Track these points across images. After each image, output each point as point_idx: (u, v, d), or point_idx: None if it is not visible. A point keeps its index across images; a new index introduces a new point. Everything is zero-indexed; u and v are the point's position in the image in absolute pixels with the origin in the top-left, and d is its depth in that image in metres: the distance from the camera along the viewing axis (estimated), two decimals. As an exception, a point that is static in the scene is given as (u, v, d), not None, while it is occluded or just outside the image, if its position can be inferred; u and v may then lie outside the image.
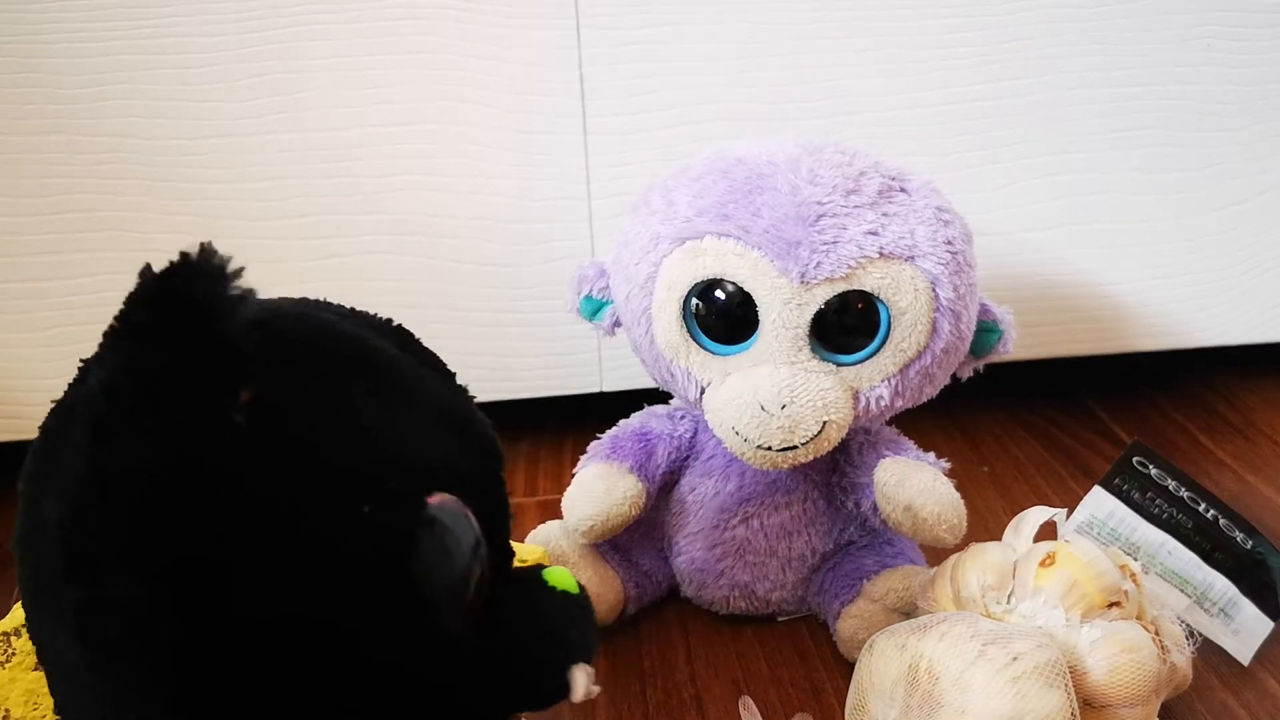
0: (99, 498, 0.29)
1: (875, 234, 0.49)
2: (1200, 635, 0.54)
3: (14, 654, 0.43)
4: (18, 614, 0.45)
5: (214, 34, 0.63)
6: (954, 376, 0.55)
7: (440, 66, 0.65)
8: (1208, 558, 0.56)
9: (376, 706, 0.31)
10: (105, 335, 0.31)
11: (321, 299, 0.37)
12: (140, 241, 0.67)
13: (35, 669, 0.43)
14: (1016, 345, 0.55)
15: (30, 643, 0.43)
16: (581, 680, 0.34)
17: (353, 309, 0.37)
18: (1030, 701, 0.42)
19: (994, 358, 0.55)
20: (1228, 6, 0.69)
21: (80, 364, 0.34)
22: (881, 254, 0.49)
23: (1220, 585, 0.55)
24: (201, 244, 0.30)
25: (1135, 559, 0.53)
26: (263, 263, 0.68)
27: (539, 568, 0.37)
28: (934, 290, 0.50)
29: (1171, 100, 0.71)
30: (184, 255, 0.29)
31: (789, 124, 0.68)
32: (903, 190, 0.51)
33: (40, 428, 0.33)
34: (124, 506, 0.29)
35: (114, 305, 0.71)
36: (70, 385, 0.34)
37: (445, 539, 0.31)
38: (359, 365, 0.33)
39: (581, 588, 0.37)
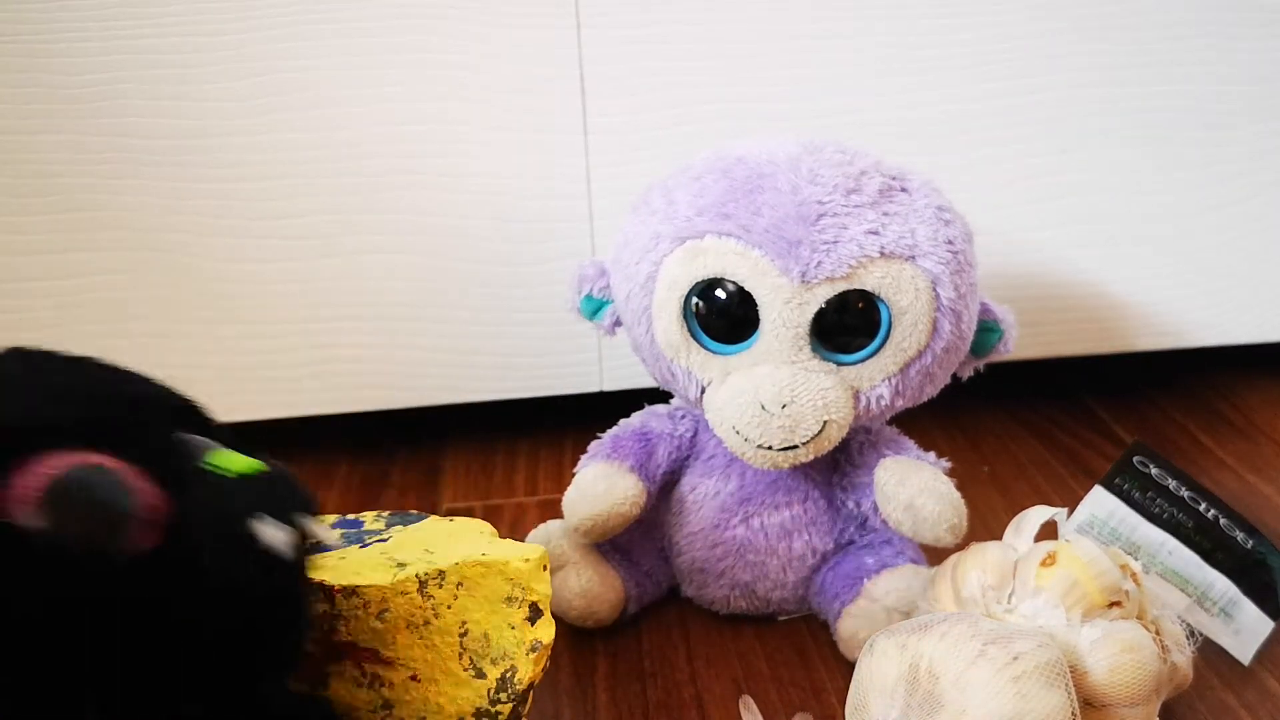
0: None
1: (876, 233, 0.49)
2: (1201, 635, 0.54)
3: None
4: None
5: (214, 34, 0.63)
6: (955, 376, 0.55)
7: (440, 66, 0.65)
8: (1208, 557, 0.56)
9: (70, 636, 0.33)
10: None
11: None
12: (141, 241, 0.67)
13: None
14: (1017, 345, 0.55)
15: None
16: (269, 531, 0.35)
17: None
18: (1031, 701, 0.42)
19: (995, 357, 0.55)
20: (1228, 6, 0.69)
21: None
22: (882, 253, 0.49)
23: (1221, 585, 0.55)
24: None
25: (1136, 559, 0.53)
26: (263, 263, 0.68)
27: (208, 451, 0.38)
28: (935, 290, 0.50)
29: (1171, 100, 0.71)
30: None
31: (789, 124, 0.68)
32: (903, 189, 0.51)
33: None
34: None
35: (115, 304, 0.71)
36: None
37: (62, 497, 0.33)
38: None
39: (267, 466, 0.38)
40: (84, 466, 0.34)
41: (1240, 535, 0.57)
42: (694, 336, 0.52)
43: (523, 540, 0.54)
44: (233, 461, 0.38)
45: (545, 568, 0.47)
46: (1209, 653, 0.55)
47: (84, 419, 0.35)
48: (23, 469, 0.33)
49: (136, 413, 0.37)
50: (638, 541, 0.59)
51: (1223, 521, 0.57)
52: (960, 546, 0.51)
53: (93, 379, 0.38)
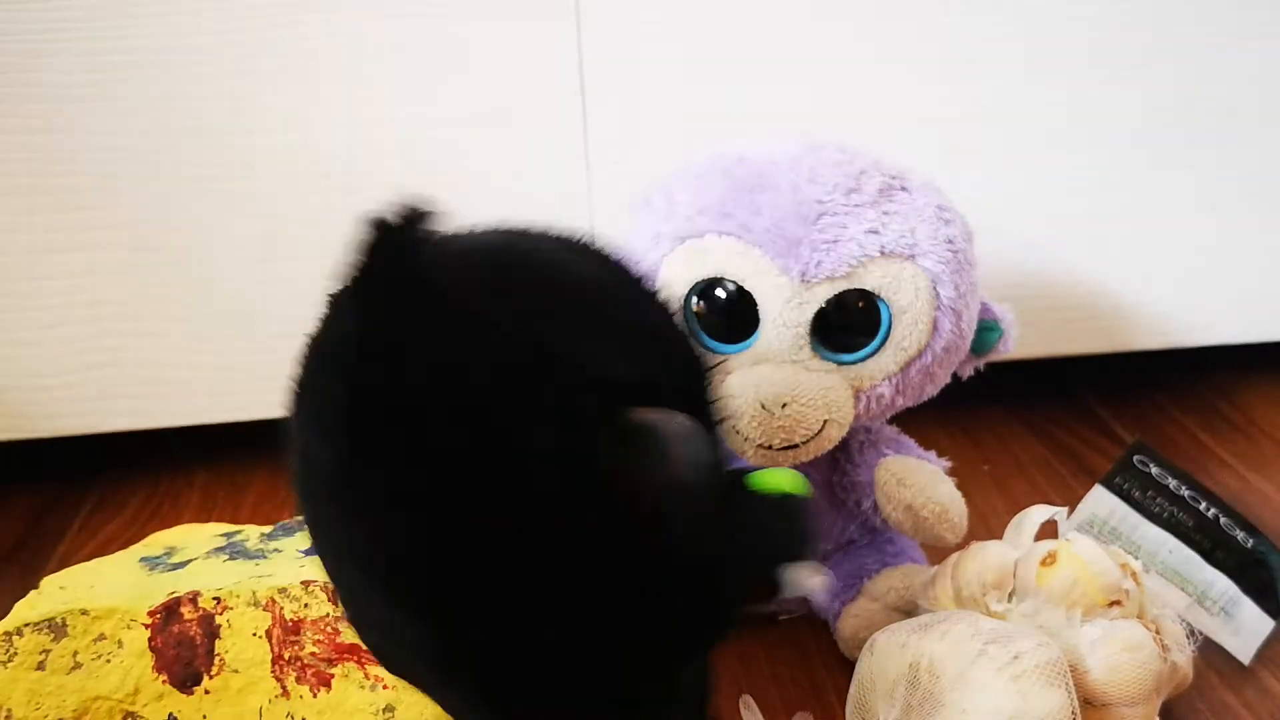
0: (361, 424, 0.32)
1: (876, 232, 0.49)
2: (1201, 634, 0.54)
3: (15, 654, 0.43)
4: (19, 613, 0.44)
5: (215, 34, 0.63)
6: (955, 375, 0.55)
7: (440, 66, 0.65)
8: (1208, 556, 0.56)
9: (577, 600, 0.33)
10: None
11: (516, 227, 0.38)
12: (140, 241, 0.67)
13: (37, 669, 0.43)
14: (1017, 344, 0.55)
15: (32, 643, 0.43)
16: (803, 575, 0.35)
17: (547, 233, 0.38)
18: (1031, 700, 0.42)
19: (995, 356, 0.55)
20: (1229, 5, 0.69)
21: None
22: (882, 252, 0.49)
23: (1221, 584, 0.55)
24: (399, 201, 0.33)
25: (1136, 558, 0.53)
26: (263, 262, 0.68)
27: (745, 472, 0.37)
28: (935, 289, 0.50)
29: (1172, 100, 0.71)
30: (380, 219, 0.33)
31: (789, 123, 0.68)
32: (903, 189, 0.51)
33: (300, 363, 0.37)
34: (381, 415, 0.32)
35: (114, 304, 0.71)
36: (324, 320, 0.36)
37: (647, 449, 0.32)
38: (555, 286, 0.34)
39: (805, 487, 0.37)
40: (683, 421, 0.33)
41: (1240, 534, 0.57)
42: (694, 335, 0.52)
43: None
44: (777, 481, 0.37)
45: (546, 567, 0.47)
46: (1209, 652, 0.55)
47: (663, 382, 0.34)
48: (610, 415, 0.32)
49: (698, 380, 0.36)
50: (638, 541, 0.59)
51: (1223, 520, 0.57)
52: (961, 546, 0.51)
53: (651, 324, 0.37)
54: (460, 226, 0.35)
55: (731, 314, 0.51)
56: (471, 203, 0.71)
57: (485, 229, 0.37)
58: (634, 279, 0.37)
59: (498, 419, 0.32)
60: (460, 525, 0.32)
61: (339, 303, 0.35)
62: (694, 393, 0.36)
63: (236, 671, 0.44)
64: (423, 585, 0.32)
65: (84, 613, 0.44)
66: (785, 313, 0.49)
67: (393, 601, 0.33)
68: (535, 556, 0.32)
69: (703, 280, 0.51)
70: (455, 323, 0.32)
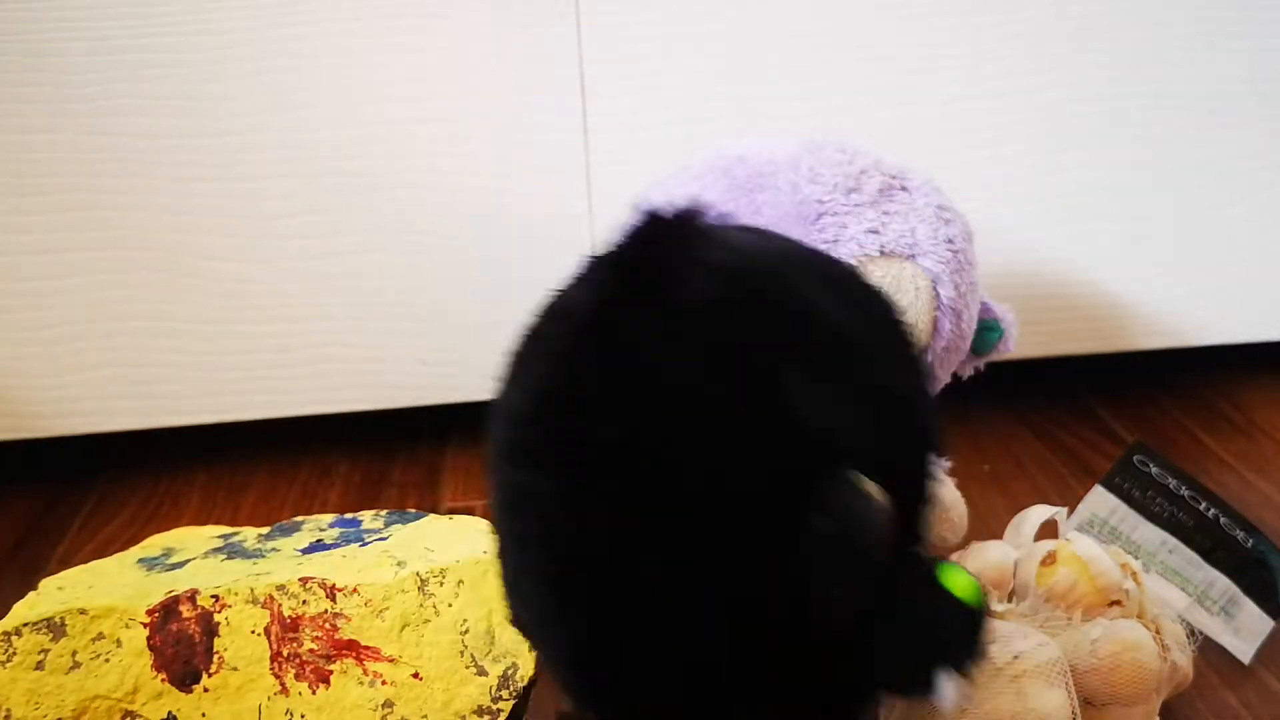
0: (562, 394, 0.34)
1: (876, 232, 0.49)
2: (1201, 634, 0.54)
3: (14, 654, 0.43)
4: (17, 614, 0.44)
5: (215, 33, 0.63)
6: (955, 375, 0.55)
7: (440, 66, 0.65)
8: (1208, 556, 0.56)
9: (731, 644, 0.33)
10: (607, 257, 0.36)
11: (778, 248, 0.37)
12: (140, 241, 0.67)
13: (36, 669, 0.43)
14: (1018, 344, 0.55)
15: (31, 643, 0.43)
16: (948, 687, 0.35)
17: (811, 261, 0.37)
18: (1030, 700, 0.42)
19: (995, 356, 0.55)
20: (1228, 5, 0.69)
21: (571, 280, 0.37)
22: (882, 252, 0.49)
23: (1221, 584, 0.55)
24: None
25: (1136, 557, 0.53)
26: (263, 262, 0.68)
27: (936, 563, 0.37)
28: (935, 288, 0.50)
29: (1171, 100, 0.71)
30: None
31: (789, 123, 0.68)
32: (903, 189, 0.51)
33: (528, 328, 0.38)
34: (580, 404, 0.33)
35: (113, 305, 0.71)
36: (561, 294, 0.38)
37: (842, 517, 0.32)
38: (798, 343, 0.33)
39: (982, 600, 0.37)
40: (869, 499, 0.32)
41: (1240, 534, 0.57)
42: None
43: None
44: (956, 584, 0.37)
45: (545, 567, 0.47)
46: (1209, 652, 0.55)
47: (877, 455, 0.34)
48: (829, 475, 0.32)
49: (915, 464, 0.36)
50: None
51: (1223, 520, 0.57)
52: (961, 546, 0.51)
53: (887, 388, 0.35)
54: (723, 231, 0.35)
55: (731, 313, 0.51)
56: (472, 202, 0.72)
57: (750, 239, 0.36)
58: (887, 333, 0.36)
59: (705, 457, 0.31)
60: (648, 548, 0.31)
61: (590, 274, 0.36)
62: (911, 469, 0.36)
63: (235, 669, 0.44)
64: (582, 592, 0.32)
65: (82, 612, 0.44)
66: (785, 312, 0.49)
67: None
68: (699, 590, 0.32)
69: (702, 280, 0.50)
70: (691, 334, 0.32)
